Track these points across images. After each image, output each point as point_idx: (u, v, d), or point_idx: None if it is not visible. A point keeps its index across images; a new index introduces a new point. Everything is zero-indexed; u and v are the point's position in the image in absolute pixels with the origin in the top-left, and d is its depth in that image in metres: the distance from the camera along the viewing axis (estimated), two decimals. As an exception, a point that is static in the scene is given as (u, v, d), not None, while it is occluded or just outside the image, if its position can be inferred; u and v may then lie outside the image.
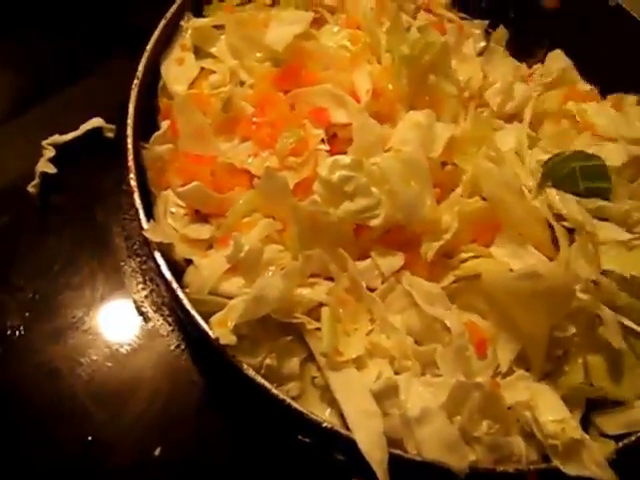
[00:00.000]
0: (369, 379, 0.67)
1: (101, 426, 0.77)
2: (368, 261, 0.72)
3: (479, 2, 1.05)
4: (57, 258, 0.87)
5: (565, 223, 0.73)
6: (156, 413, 0.78)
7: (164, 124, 0.79)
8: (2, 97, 1.00)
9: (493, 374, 0.69)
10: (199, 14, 0.90)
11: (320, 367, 0.68)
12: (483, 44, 1.01)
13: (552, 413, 0.66)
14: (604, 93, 0.96)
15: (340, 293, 0.71)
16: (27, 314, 0.82)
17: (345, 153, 0.74)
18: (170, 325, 0.83)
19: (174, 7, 0.86)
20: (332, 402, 0.68)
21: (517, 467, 0.65)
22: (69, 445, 0.75)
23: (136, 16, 1.01)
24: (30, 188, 0.89)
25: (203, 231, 0.75)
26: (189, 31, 0.87)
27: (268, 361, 0.67)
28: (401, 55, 0.78)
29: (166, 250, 0.71)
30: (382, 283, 0.72)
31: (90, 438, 0.76)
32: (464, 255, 0.73)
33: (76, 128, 0.94)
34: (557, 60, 0.97)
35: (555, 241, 0.72)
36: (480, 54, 0.98)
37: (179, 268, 0.73)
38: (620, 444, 0.67)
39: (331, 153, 0.75)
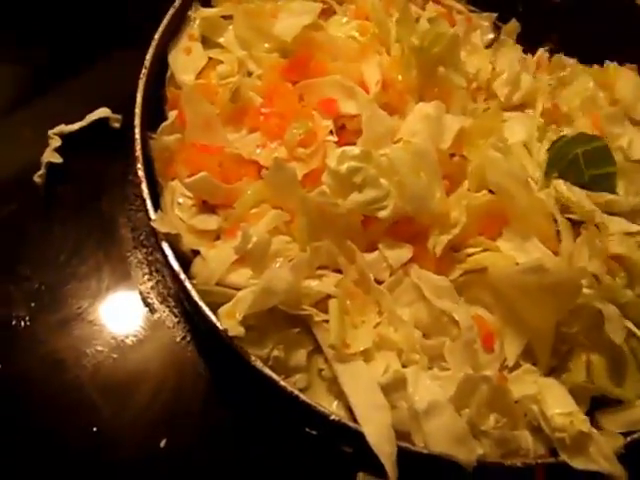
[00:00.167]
0: (377, 372, 0.67)
1: (106, 418, 0.76)
2: (376, 253, 0.72)
3: (488, -6, 1.04)
4: (63, 248, 0.86)
5: (572, 216, 0.73)
6: (162, 405, 0.78)
7: (172, 114, 0.79)
8: (8, 86, 0.99)
9: (500, 368, 0.69)
10: (207, 4, 0.89)
11: (328, 359, 0.68)
12: (491, 36, 1.00)
13: (560, 406, 0.66)
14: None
15: (348, 285, 0.70)
16: (33, 304, 0.82)
17: (354, 144, 0.74)
18: (176, 317, 0.83)
19: (182, -3, 0.86)
20: (339, 394, 0.67)
21: (525, 461, 0.65)
22: (74, 437, 0.75)
23: (143, 6, 1.01)
24: (36, 178, 0.89)
25: (210, 222, 0.74)
26: (197, 21, 0.87)
27: (275, 353, 0.66)
28: (411, 46, 0.78)
29: (173, 241, 0.71)
30: (390, 276, 0.72)
31: (95, 429, 0.75)
32: (471, 249, 0.73)
33: (82, 118, 0.93)
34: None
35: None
36: (488, 46, 0.97)
37: (186, 259, 0.72)
38: (629, 439, 0.67)
39: (339, 144, 0.75)
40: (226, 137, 0.77)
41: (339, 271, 0.72)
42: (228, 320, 0.65)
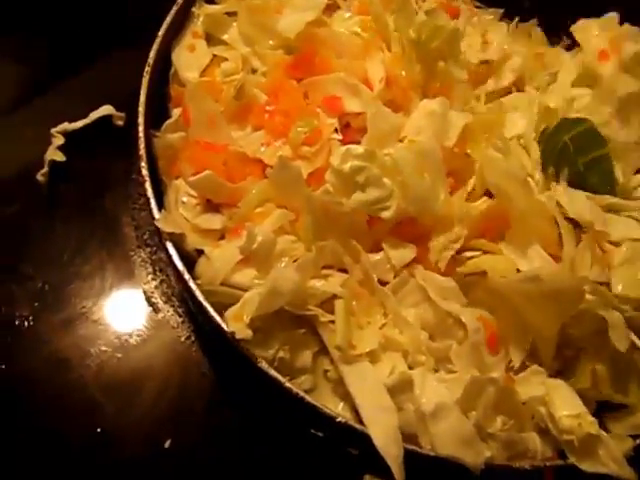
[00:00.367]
0: (383, 373, 0.66)
1: (110, 418, 0.76)
2: (381, 254, 0.71)
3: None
4: (66, 247, 0.86)
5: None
6: (166, 405, 0.77)
7: (175, 112, 0.79)
8: (12, 84, 0.99)
9: (506, 369, 0.68)
10: (211, 1, 0.88)
11: (333, 360, 0.67)
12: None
13: (568, 408, 0.65)
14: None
15: (354, 285, 0.70)
16: (36, 304, 0.82)
17: (358, 143, 0.73)
18: (180, 316, 0.83)
19: (186, -7, 0.85)
20: (345, 396, 0.67)
21: (533, 464, 0.64)
22: (78, 436, 0.75)
23: (144, 4, 1.00)
24: (39, 176, 0.88)
25: (215, 221, 0.74)
26: (201, 18, 0.86)
27: (281, 354, 0.66)
28: (408, 39, 0.77)
29: (177, 240, 0.70)
30: (395, 276, 0.71)
31: (99, 430, 0.75)
32: (470, 252, 0.72)
33: (86, 116, 0.93)
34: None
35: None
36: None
37: (190, 259, 0.72)
38: (638, 441, 0.66)
39: (344, 142, 0.74)
40: (230, 135, 0.76)
41: (344, 271, 0.71)
42: (236, 323, 0.64)
